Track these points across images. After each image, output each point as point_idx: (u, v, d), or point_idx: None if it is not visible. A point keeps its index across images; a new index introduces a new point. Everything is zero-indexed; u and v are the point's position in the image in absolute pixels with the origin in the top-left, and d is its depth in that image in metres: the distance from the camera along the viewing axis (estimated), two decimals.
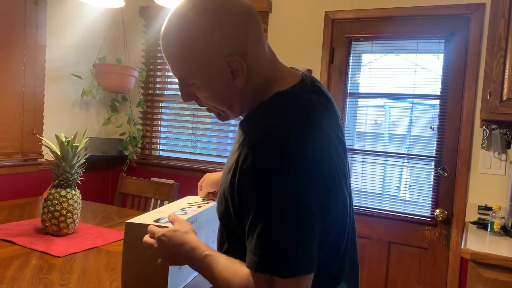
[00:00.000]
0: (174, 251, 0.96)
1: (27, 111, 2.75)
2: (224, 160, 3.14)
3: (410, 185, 2.60)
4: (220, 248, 1.02)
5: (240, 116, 1.00)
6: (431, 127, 2.52)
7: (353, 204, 1.07)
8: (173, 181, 2.50)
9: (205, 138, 3.32)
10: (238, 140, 0.93)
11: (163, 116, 3.48)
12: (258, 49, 0.90)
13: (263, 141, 0.82)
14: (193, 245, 0.95)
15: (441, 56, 2.50)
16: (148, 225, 1.05)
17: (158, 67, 3.45)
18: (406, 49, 2.60)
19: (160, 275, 1.08)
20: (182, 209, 1.24)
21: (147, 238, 1.01)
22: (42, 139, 2.79)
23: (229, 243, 0.99)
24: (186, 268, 1.09)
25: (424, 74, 2.55)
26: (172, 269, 1.10)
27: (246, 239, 0.85)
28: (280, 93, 0.91)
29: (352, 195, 1.04)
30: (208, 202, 1.38)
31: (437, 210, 2.48)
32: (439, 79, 2.50)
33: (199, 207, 1.29)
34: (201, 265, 0.93)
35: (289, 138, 0.81)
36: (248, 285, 0.83)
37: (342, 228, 0.93)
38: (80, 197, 1.68)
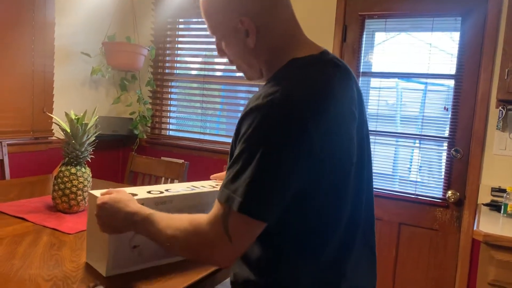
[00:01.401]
0: (115, 217, 1.00)
1: (37, 90, 2.75)
2: None
3: (420, 166, 2.57)
4: None
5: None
6: (445, 108, 2.47)
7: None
8: (182, 161, 2.50)
9: (214, 118, 3.31)
10: None
11: (173, 96, 3.46)
12: (272, 14, 0.94)
13: (265, 94, 0.85)
14: (135, 209, 0.99)
15: (457, 34, 2.43)
16: (91, 193, 1.07)
17: (168, 45, 3.41)
18: (421, 27, 2.53)
19: (104, 246, 1.09)
20: (167, 190, 1.21)
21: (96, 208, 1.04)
22: (52, 117, 2.80)
23: None
24: (147, 251, 1.12)
25: (438, 53, 2.49)
26: (124, 246, 1.10)
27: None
28: (295, 59, 0.93)
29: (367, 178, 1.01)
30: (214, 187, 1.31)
31: (449, 192, 2.45)
32: (454, 58, 2.44)
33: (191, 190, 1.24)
34: (144, 225, 0.95)
35: (291, 95, 0.84)
36: (201, 220, 0.87)
37: (337, 205, 0.91)
38: (90, 175, 1.68)
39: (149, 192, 1.17)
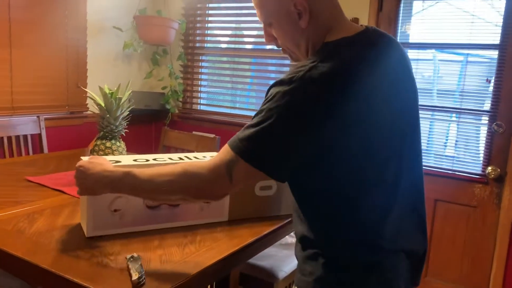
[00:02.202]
0: (89, 179, 1.05)
1: (71, 64, 2.79)
2: None
3: (457, 141, 2.48)
4: None
5: None
6: (487, 80, 2.36)
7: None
8: (214, 135, 2.50)
9: (244, 92, 3.28)
10: None
11: (203, 70, 3.44)
12: None
13: (290, 71, 0.91)
14: (109, 169, 1.04)
15: (501, 2, 2.28)
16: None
17: (198, 18, 3.37)
18: None
19: (84, 208, 1.17)
20: (154, 159, 1.26)
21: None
22: (86, 92, 2.84)
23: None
24: (129, 216, 1.18)
25: (480, 22, 2.35)
26: (104, 209, 1.17)
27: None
28: (332, 42, 0.96)
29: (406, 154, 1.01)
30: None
31: (489, 168, 2.36)
32: (497, 28, 2.30)
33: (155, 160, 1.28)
34: (124, 181, 1.00)
35: (315, 72, 0.87)
36: (202, 163, 0.96)
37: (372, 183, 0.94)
38: (125, 149, 1.70)
39: (135, 160, 1.23)
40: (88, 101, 2.89)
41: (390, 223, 0.95)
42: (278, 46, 1.08)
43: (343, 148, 0.89)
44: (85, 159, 1.13)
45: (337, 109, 0.87)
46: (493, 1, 2.33)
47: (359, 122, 0.89)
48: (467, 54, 2.42)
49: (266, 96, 0.93)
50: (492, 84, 2.34)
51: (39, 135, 2.51)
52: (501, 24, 2.29)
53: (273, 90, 0.90)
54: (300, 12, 0.97)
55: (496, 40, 2.31)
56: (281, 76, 0.93)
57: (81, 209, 1.24)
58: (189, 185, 0.96)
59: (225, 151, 0.94)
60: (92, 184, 1.05)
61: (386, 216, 0.95)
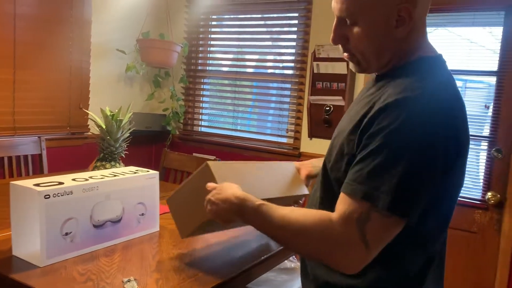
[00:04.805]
0: (221, 208, 0.98)
1: (74, 86, 2.82)
2: (263, 138, 3.11)
3: None
4: None
5: (376, 73, 0.99)
6: (486, 106, 2.37)
7: None
8: (214, 157, 2.50)
9: (245, 114, 3.30)
10: (370, 93, 0.93)
11: (205, 92, 3.48)
12: (424, 7, 0.90)
13: (411, 87, 0.82)
14: (241, 198, 0.96)
15: (498, 29, 2.32)
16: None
17: (200, 42, 3.43)
18: (461, 22, 2.43)
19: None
20: (90, 177, 1.26)
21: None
22: (88, 113, 2.86)
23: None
24: (77, 238, 1.16)
25: (478, 49, 2.38)
26: (56, 237, 1.12)
27: (351, 169, 0.83)
28: (427, 58, 0.91)
29: None
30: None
31: (489, 193, 2.35)
32: (495, 55, 2.33)
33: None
34: (255, 216, 0.92)
35: (443, 100, 0.82)
36: (331, 218, 0.82)
37: (448, 210, 0.91)
38: None
39: (74, 179, 1.21)
40: (89, 122, 2.90)
41: (431, 271, 0.93)
42: (345, 50, 0.96)
43: (449, 184, 0.86)
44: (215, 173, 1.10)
45: (457, 138, 0.83)
46: (492, 28, 2.37)
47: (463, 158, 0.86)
48: (466, 80, 2.45)
49: (373, 120, 0.82)
50: (491, 109, 2.36)
51: (40, 155, 2.51)
52: (499, 51, 2.32)
53: (390, 115, 0.80)
54: (401, 20, 0.87)
55: (494, 66, 2.34)
56: (394, 94, 0.83)
57: (15, 233, 1.15)
58: (322, 242, 0.83)
59: (348, 201, 0.81)
60: (229, 213, 0.98)
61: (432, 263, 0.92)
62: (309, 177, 1.37)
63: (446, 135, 0.79)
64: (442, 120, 0.79)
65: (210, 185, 1.05)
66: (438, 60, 0.91)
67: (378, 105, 0.83)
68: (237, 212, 0.96)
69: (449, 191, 0.87)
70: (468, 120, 0.88)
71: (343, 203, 0.81)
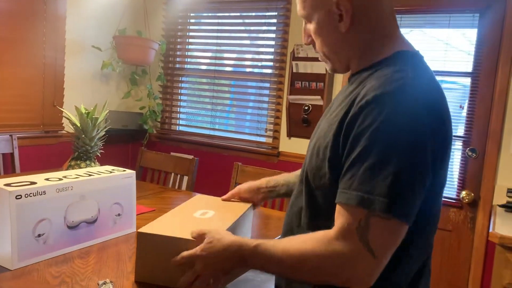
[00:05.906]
0: (220, 260, 0.88)
1: (48, 83, 2.74)
2: (242, 137, 3.10)
3: None
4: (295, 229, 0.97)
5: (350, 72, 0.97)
6: (460, 106, 2.42)
7: None
8: (192, 156, 2.47)
9: (224, 113, 3.28)
10: (348, 92, 0.89)
11: (183, 91, 3.44)
12: (373, 2, 0.88)
13: (389, 80, 0.79)
14: (237, 243, 0.87)
15: (473, 31, 2.37)
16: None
17: (178, 40, 3.39)
18: (437, 23, 2.47)
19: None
20: (64, 177, 1.21)
21: (188, 270, 0.91)
22: (62, 111, 2.79)
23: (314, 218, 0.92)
24: (50, 239, 1.12)
25: (453, 51, 2.43)
26: (28, 239, 1.07)
27: (342, 177, 0.79)
28: (405, 52, 0.88)
29: None
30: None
31: (463, 192, 2.40)
32: (469, 56, 2.38)
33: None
34: (255, 258, 0.84)
35: (426, 91, 0.80)
36: (329, 236, 0.77)
37: (438, 209, 0.89)
38: None
39: (47, 179, 1.17)
40: (64, 120, 2.83)
41: (427, 268, 0.92)
42: (315, 50, 0.97)
43: (438, 180, 0.83)
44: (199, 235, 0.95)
45: (446, 127, 0.82)
46: (465, 30, 2.41)
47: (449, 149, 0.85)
48: (441, 81, 2.49)
49: (355, 119, 0.79)
50: (465, 110, 2.41)
51: (12, 154, 2.44)
52: (473, 52, 2.37)
53: (372, 112, 0.76)
54: (341, 14, 0.86)
55: (469, 68, 2.39)
56: (372, 90, 0.79)
57: None
58: (325, 266, 0.78)
59: (344, 212, 0.77)
60: (229, 264, 0.88)
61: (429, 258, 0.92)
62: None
63: (433, 126, 0.76)
64: (427, 112, 0.76)
65: (195, 231, 0.94)
66: (416, 55, 0.88)
67: (358, 102, 0.79)
68: (238, 262, 0.87)
69: (438, 188, 0.85)
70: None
71: (340, 215, 0.78)
